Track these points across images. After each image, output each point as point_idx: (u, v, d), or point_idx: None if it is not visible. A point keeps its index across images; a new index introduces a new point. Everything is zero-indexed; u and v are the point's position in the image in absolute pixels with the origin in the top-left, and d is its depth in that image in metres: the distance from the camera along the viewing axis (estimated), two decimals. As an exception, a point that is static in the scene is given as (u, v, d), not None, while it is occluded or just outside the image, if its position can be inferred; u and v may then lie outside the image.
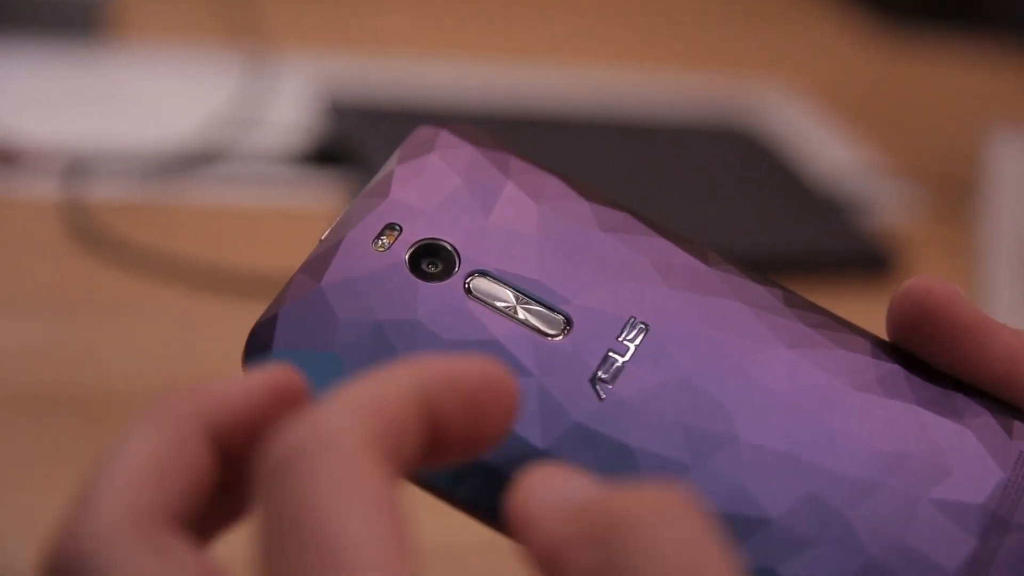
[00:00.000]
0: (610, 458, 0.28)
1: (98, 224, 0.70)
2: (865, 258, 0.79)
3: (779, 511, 0.27)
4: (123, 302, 0.65)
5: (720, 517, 0.27)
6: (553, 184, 0.31)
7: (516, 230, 0.30)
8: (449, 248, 0.30)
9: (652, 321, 0.29)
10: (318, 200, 0.76)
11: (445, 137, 0.32)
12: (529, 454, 0.28)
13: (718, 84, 1.00)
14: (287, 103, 0.84)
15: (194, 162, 0.76)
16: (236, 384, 0.25)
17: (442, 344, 0.28)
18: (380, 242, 0.30)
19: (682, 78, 0.99)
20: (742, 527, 0.27)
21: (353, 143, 0.78)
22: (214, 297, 0.67)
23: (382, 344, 0.28)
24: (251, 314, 0.67)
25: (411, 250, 0.30)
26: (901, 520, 0.27)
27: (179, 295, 0.66)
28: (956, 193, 0.91)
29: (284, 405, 0.25)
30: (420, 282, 0.29)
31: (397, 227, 0.30)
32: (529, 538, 0.23)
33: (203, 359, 0.63)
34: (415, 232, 0.30)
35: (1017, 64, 1.13)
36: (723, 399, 0.28)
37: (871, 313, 0.77)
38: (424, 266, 0.30)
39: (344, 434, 0.22)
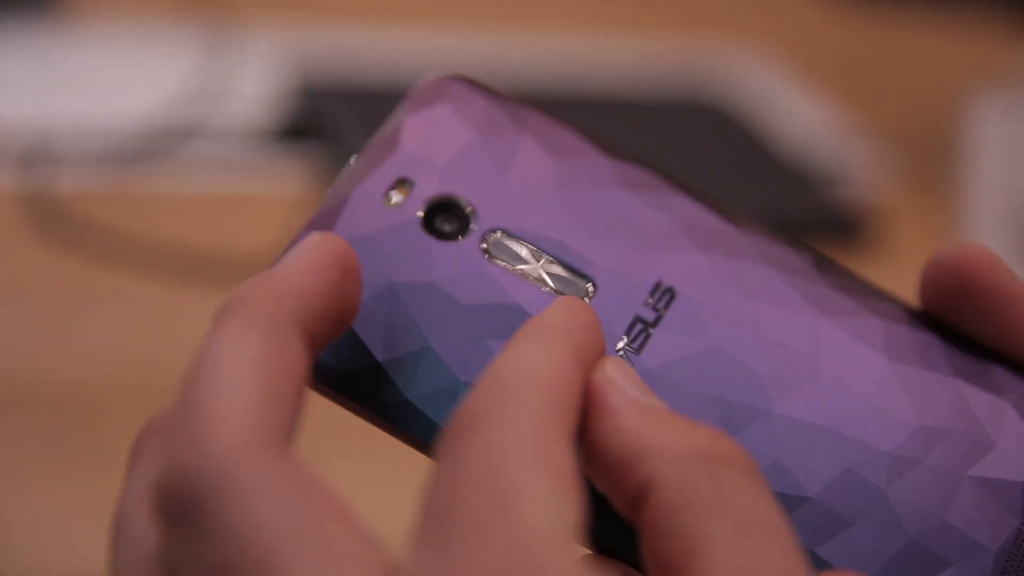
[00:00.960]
0: None
1: (60, 212, 0.70)
2: (835, 226, 0.79)
3: (816, 488, 0.27)
4: (89, 293, 0.64)
5: None
6: (572, 139, 0.30)
7: (535, 186, 0.29)
8: (465, 204, 0.28)
9: (680, 285, 0.28)
10: (289, 182, 0.76)
11: (457, 88, 0.30)
12: None
13: (685, 50, 0.99)
14: (254, 77, 0.83)
15: (160, 143, 0.76)
16: (304, 268, 0.24)
17: (459, 308, 0.27)
18: (391, 197, 0.28)
19: (648, 44, 0.99)
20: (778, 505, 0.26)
21: (324, 119, 0.77)
22: (185, 285, 0.66)
23: (395, 307, 0.27)
24: (220, 302, 0.65)
25: (425, 206, 0.28)
26: (941, 498, 0.27)
27: (148, 284, 0.66)
28: (933, 160, 0.91)
29: (352, 278, 0.25)
30: (434, 241, 0.28)
31: (409, 182, 0.29)
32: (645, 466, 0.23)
33: (176, 350, 0.62)
34: (428, 187, 0.28)
35: (993, 28, 1.12)
36: (756, 370, 0.27)
37: None
38: (438, 224, 0.28)
39: (535, 402, 0.22)
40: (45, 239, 0.67)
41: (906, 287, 0.77)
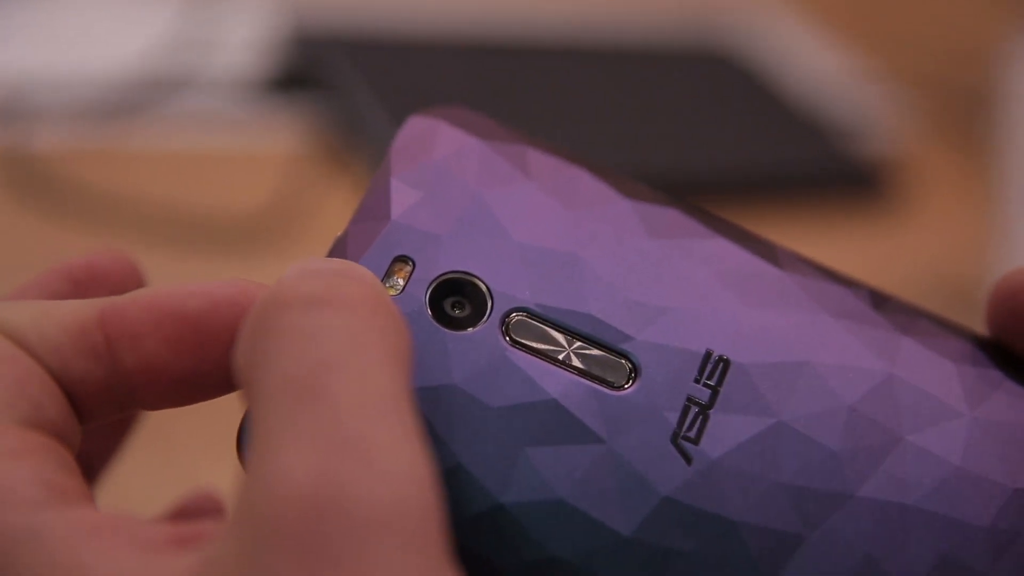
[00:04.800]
0: (710, 538, 0.24)
1: (37, 171, 0.68)
2: (855, 182, 0.78)
3: None
4: (67, 258, 0.62)
5: None
6: (584, 181, 0.27)
7: (551, 248, 0.26)
8: (477, 283, 0.26)
9: (733, 353, 0.25)
10: (283, 137, 0.75)
11: (446, 132, 0.27)
12: (611, 543, 0.24)
13: None
14: (244, 24, 0.82)
15: (143, 96, 0.74)
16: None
17: (489, 413, 0.24)
18: (392, 283, 0.25)
19: None
20: None
21: (319, 69, 0.76)
22: (171, 249, 0.65)
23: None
24: (216, 268, 0.63)
25: (430, 290, 0.25)
26: None
27: (132, 249, 0.64)
28: (962, 110, 0.89)
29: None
30: (448, 332, 0.25)
31: (409, 260, 0.26)
32: None
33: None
34: (432, 265, 0.26)
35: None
36: (828, 445, 0.25)
37: (858, 239, 0.75)
38: (448, 309, 0.25)
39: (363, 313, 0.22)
40: (21, 200, 0.66)
41: (933, 248, 0.74)
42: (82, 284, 0.26)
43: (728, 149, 0.77)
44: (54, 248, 0.63)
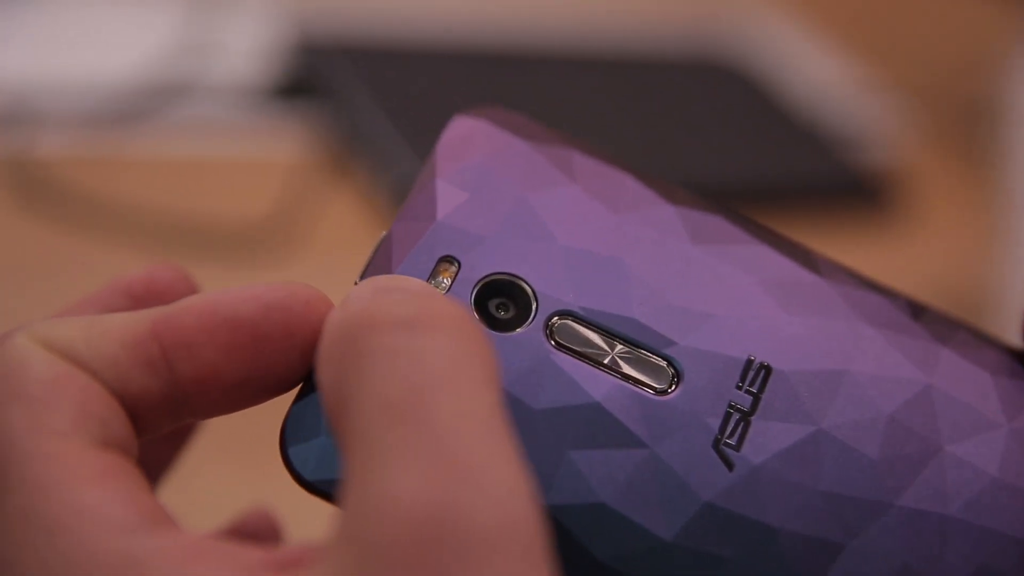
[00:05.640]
0: (750, 543, 0.24)
1: (39, 177, 0.68)
2: (856, 191, 0.78)
3: None
4: (69, 265, 0.63)
5: None
6: (628, 186, 0.27)
7: (596, 252, 0.26)
8: (522, 285, 0.26)
9: (775, 360, 0.26)
10: (286, 144, 0.74)
11: (490, 133, 0.27)
12: (653, 547, 0.24)
13: (697, 5, 0.98)
14: (247, 30, 0.81)
15: (146, 103, 0.74)
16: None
17: (532, 415, 0.25)
18: (437, 283, 0.25)
19: (660, 3, 0.96)
20: None
21: (323, 77, 0.76)
22: (173, 257, 0.65)
23: None
24: (217, 277, 0.62)
25: (476, 291, 0.25)
26: None
27: (132, 256, 0.64)
28: (962, 120, 0.89)
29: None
30: (492, 333, 0.25)
31: (454, 261, 0.26)
32: None
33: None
34: (477, 266, 0.26)
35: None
36: (869, 454, 0.25)
37: (859, 250, 0.75)
38: (493, 310, 0.25)
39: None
40: (23, 206, 0.66)
41: (935, 259, 0.74)
42: (140, 299, 0.26)
43: (729, 159, 0.77)
44: (56, 253, 0.63)
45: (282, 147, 0.74)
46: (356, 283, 0.25)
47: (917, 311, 0.27)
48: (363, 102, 0.72)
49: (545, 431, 0.24)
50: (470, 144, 0.27)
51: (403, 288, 0.22)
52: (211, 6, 0.82)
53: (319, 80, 0.75)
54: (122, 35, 0.79)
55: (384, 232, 0.26)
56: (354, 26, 0.80)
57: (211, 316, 0.23)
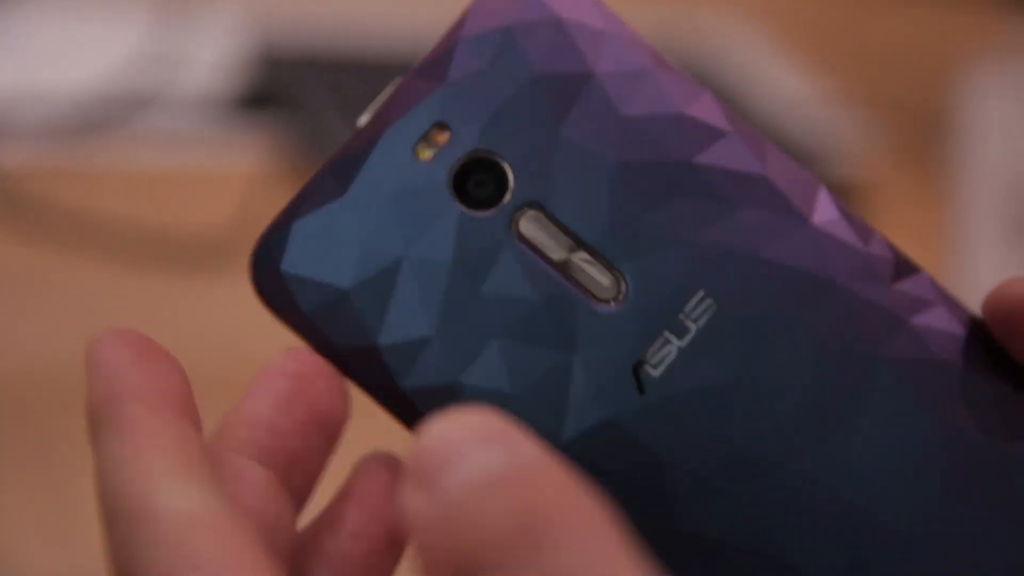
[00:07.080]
0: (635, 469, 0.24)
1: (3, 189, 0.68)
2: None
3: (809, 564, 0.24)
4: (35, 277, 0.63)
5: (738, 553, 0.24)
6: (652, 82, 0.26)
7: (591, 151, 0.25)
8: (503, 167, 0.25)
9: (723, 299, 0.25)
10: (250, 156, 0.75)
11: (532, 4, 0.26)
12: (548, 445, 0.25)
13: (666, 20, 0.98)
14: (212, 42, 0.82)
15: (110, 114, 0.74)
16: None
17: (473, 296, 0.25)
18: (424, 146, 0.25)
19: (629, 14, 0.98)
20: (762, 570, 0.24)
21: (287, 88, 0.76)
22: (139, 269, 0.65)
23: (406, 285, 0.25)
24: (182, 288, 0.64)
25: (459, 164, 0.25)
26: None
27: (99, 267, 0.64)
28: (924, 132, 0.90)
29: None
30: (461, 209, 0.25)
31: (447, 128, 0.25)
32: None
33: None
34: (468, 139, 0.25)
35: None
36: (782, 412, 0.25)
37: None
38: (470, 187, 0.25)
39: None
40: None
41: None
42: (296, 379, 0.25)
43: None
44: (19, 265, 0.63)
45: (246, 158, 0.74)
46: (357, 127, 0.25)
47: (903, 269, 0.26)
48: (326, 114, 0.72)
49: (479, 313, 0.25)
50: (504, 7, 0.26)
51: (488, 434, 0.20)
52: (176, 18, 0.82)
53: (283, 92, 0.76)
54: (86, 47, 0.79)
55: (398, 79, 0.26)
56: (318, 38, 0.80)
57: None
